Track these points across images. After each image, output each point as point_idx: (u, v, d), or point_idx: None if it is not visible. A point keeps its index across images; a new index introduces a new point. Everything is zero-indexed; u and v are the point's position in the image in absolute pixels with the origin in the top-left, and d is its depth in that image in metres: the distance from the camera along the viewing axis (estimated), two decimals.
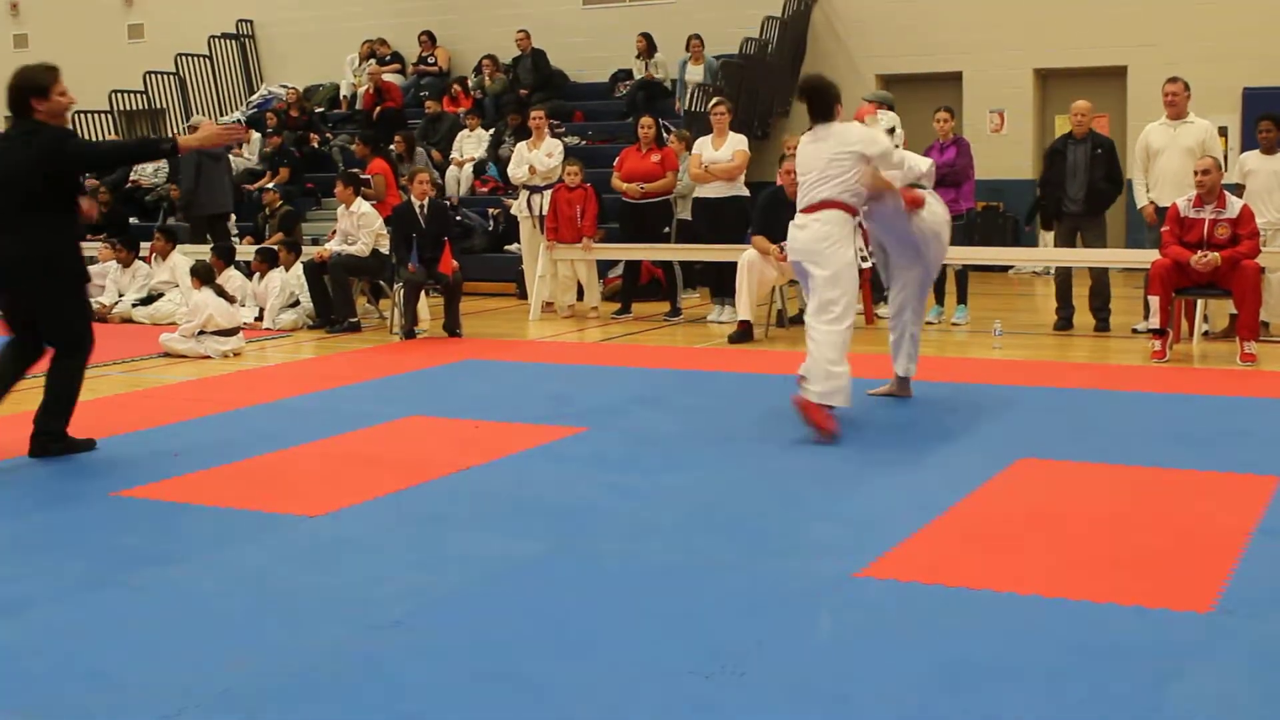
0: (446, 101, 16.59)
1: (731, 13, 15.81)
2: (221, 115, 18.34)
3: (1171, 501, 5.17)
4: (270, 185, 14.70)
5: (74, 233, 6.55)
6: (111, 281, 12.56)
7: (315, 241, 12.77)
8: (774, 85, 15.76)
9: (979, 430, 6.48)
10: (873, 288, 11.03)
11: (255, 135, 16.72)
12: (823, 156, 6.58)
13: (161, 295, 12.20)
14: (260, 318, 11.38)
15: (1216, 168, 8.71)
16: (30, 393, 8.47)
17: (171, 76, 18.00)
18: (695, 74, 15.24)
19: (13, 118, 6.30)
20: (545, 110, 13.25)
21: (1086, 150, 9.98)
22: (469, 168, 15.43)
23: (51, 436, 6.38)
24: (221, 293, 10.12)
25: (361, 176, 12.00)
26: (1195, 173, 8.70)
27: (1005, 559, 4.48)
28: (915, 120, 13.50)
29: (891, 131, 7.32)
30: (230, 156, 16.35)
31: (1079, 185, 9.97)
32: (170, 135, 6.85)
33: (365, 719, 3.28)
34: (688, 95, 14.94)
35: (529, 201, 12.17)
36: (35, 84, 6.19)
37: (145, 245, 12.83)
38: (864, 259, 6.90)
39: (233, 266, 11.53)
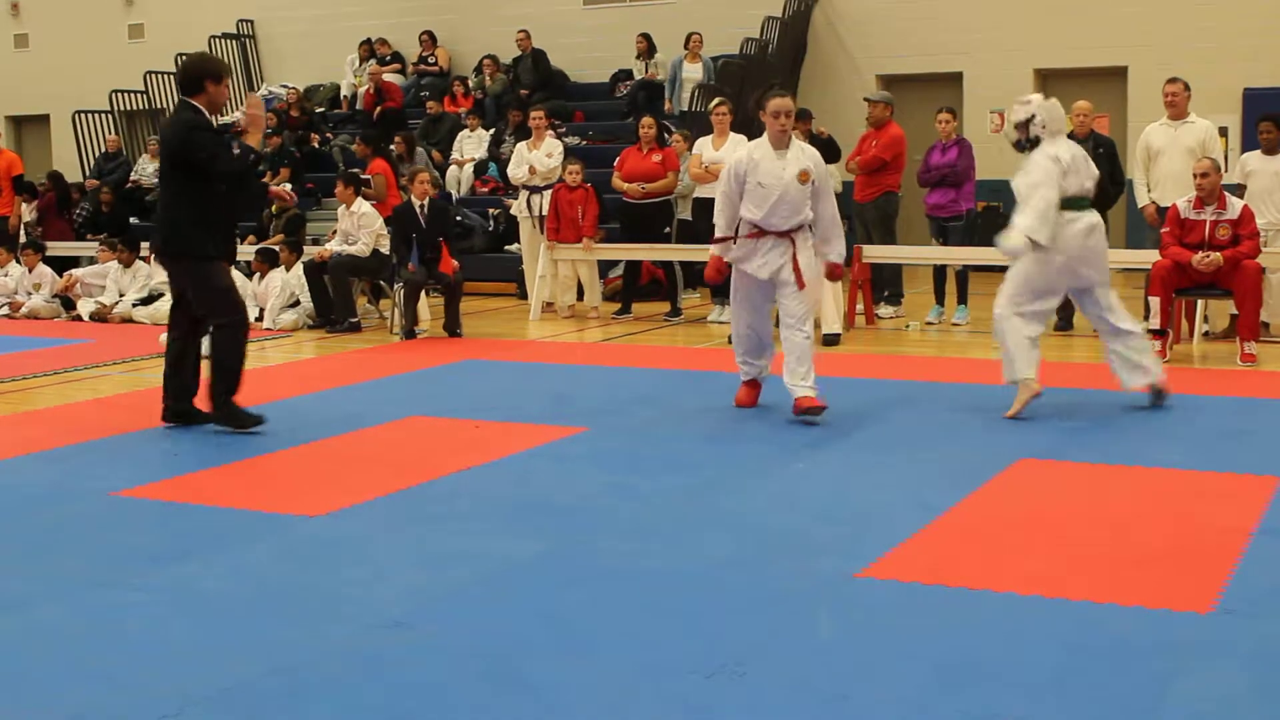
0: (447, 101, 16.60)
1: (732, 13, 15.81)
2: (221, 116, 18.31)
3: (1172, 501, 5.17)
4: (289, 189, 14.66)
5: (207, 204, 6.67)
6: (112, 281, 12.56)
7: (315, 241, 12.77)
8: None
9: (979, 430, 6.48)
10: (873, 288, 11.04)
11: None
12: None
13: (162, 295, 12.18)
14: (260, 318, 11.38)
15: (1215, 170, 8.71)
16: (34, 392, 8.49)
17: (172, 76, 17.97)
18: (693, 72, 15.23)
19: (181, 96, 6.80)
20: (545, 110, 13.25)
21: (1088, 150, 9.97)
22: (469, 168, 15.43)
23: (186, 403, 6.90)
24: None
25: (362, 176, 12.00)
26: (1194, 175, 8.70)
27: (1006, 559, 4.48)
28: (916, 121, 13.53)
29: (1028, 122, 7.23)
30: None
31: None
32: (242, 149, 6.78)
33: (365, 719, 3.28)
34: (686, 95, 14.94)
35: (529, 202, 12.18)
36: (213, 70, 6.81)
37: (146, 245, 12.82)
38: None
39: (233, 267, 11.51)
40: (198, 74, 6.74)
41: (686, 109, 14.67)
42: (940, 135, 10.91)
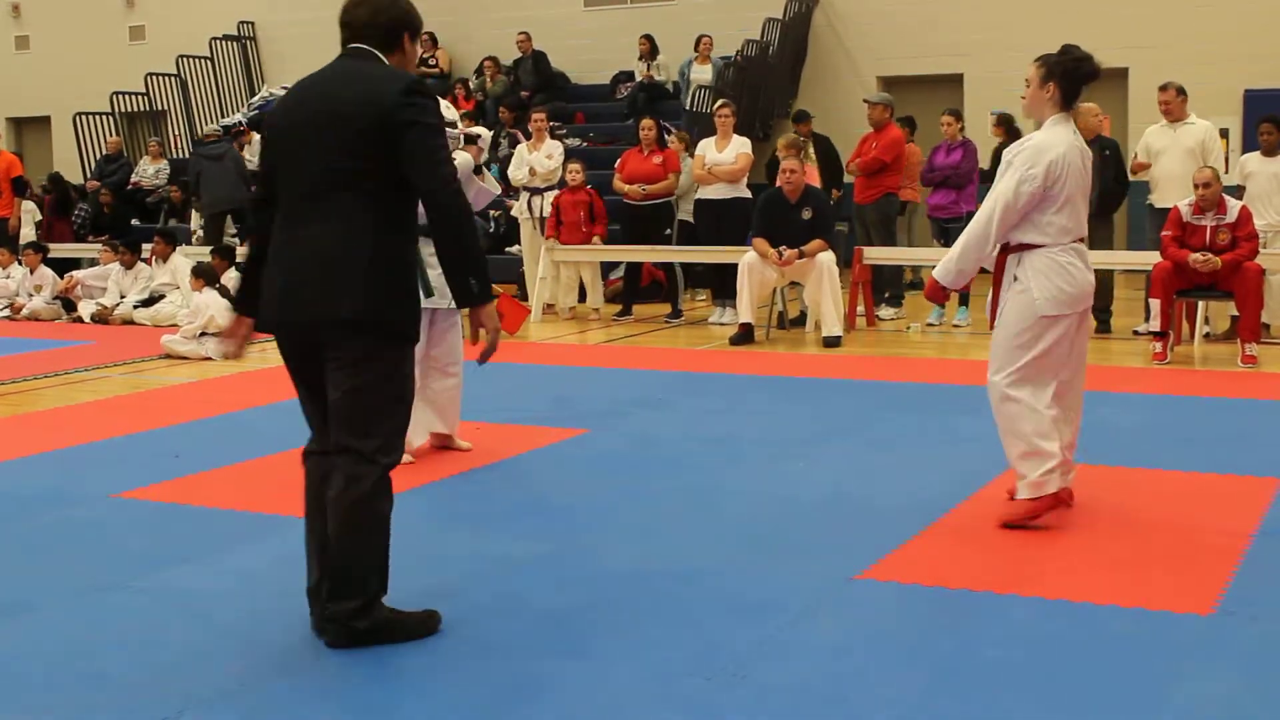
0: (449, 103, 16.59)
1: (732, 14, 15.81)
2: (222, 117, 18.35)
3: (1172, 503, 5.16)
4: None
5: (411, 239, 4.00)
6: (113, 283, 12.57)
7: None
8: (775, 87, 15.77)
9: (980, 432, 6.45)
10: (873, 288, 11.04)
11: (257, 137, 16.72)
12: None
13: (163, 297, 12.20)
14: None
15: (1216, 179, 8.71)
16: (35, 394, 8.48)
17: (173, 78, 18.01)
18: (702, 74, 15.23)
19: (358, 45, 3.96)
20: (546, 112, 13.25)
21: (1095, 152, 9.95)
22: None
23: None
24: (225, 293, 10.12)
25: None
26: (1196, 185, 8.70)
27: (1006, 561, 4.48)
28: (918, 122, 13.52)
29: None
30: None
31: (1089, 187, 9.93)
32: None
33: (365, 719, 3.29)
34: (691, 96, 14.93)
35: (530, 203, 12.18)
36: (414, 21, 4.05)
37: (147, 247, 12.84)
38: None
39: (234, 268, 11.53)
40: (396, 32, 3.95)
41: (693, 112, 14.66)
42: (945, 137, 10.94)
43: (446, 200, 3.71)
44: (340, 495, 3.72)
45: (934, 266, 5.11)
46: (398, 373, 3.78)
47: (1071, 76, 4.83)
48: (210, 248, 12.26)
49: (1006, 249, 4.90)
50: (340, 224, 3.68)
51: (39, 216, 15.27)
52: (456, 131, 6.26)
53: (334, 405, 3.78)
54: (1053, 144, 4.80)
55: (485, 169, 6.48)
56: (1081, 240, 4.95)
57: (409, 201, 3.78)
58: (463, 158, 6.22)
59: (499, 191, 6.44)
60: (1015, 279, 4.88)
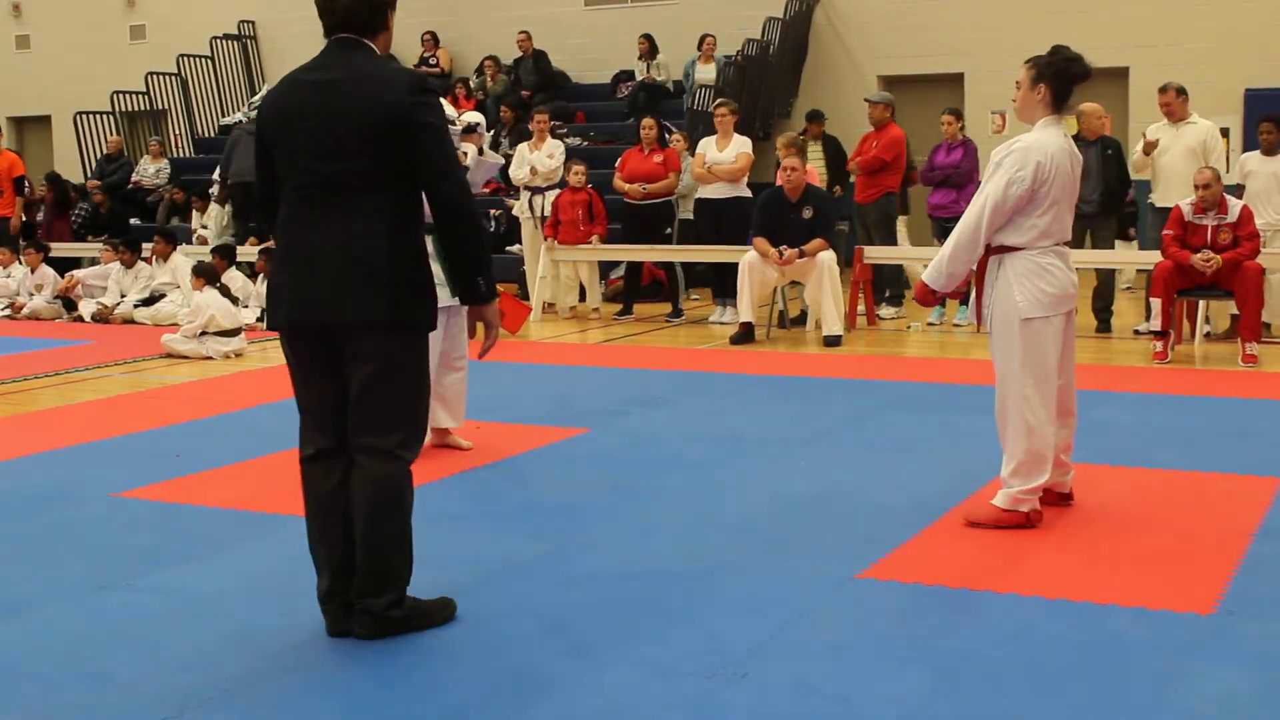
0: (449, 102, 16.59)
1: (733, 14, 15.82)
2: (223, 116, 18.35)
3: (1173, 502, 5.16)
4: None
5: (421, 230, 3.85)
6: (114, 282, 12.57)
7: None
8: (776, 86, 15.76)
9: (980, 431, 6.46)
10: (874, 288, 11.04)
11: None
12: None
13: (163, 296, 12.21)
14: (263, 318, 11.38)
15: (1216, 180, 8.72)
16: (36, 393, 8.48)
17: (173, 77, 18.01)
18: (706, 73, 15.23)
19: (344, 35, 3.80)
20: (548, 112, 13.25)
21: (1098, 152, 9.96)
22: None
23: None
24: (225, 292, 10.12)
25: None
26: (1196, 186, 8.71)
27: (1006, 560, 4.48)
28: (918, 121, 13.52)
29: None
30: None
31: (1092, 186, 9.94)
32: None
33: (365, 719, 3.29)
34: (693, 95, 14.93)
35: (530, 202, 12.18)
36: None
37: (147, 247, 12.84)
38: None
39: (234, 267, 11.54)
40: (379, 12, 3.81)
41: (695, 110, 14.65)
42: (945, 136, 10.94)
43: (459, 202, 3.73)
44: (370, 498, 3.83)
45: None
46: (417, 368, 3.81)
47: (1062, 78, 4.83)
48: (211, 247, 12.26)
49: (987, 250, 4.90)
50: (353, 224, 3.66)
51: (24, 216, 15.22)
52: (457, 128, 6.28)
53: (355, 403, 3.81)
54: (1043, 145, 4.79)
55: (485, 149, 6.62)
56: (1064, 244, 4.94)
57: (416, 198, 3.76)
58: (471, 150, 6.29)
59: (502, 161, 6.54)
60: (996, 284, 4.88)
